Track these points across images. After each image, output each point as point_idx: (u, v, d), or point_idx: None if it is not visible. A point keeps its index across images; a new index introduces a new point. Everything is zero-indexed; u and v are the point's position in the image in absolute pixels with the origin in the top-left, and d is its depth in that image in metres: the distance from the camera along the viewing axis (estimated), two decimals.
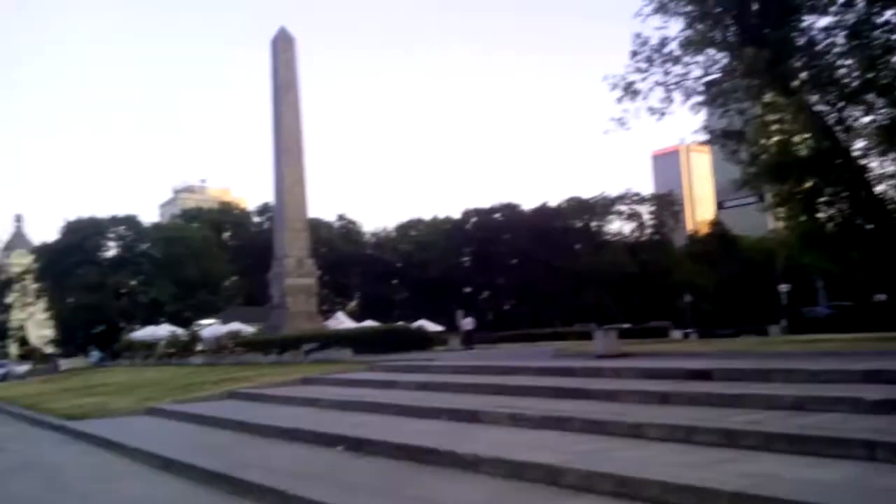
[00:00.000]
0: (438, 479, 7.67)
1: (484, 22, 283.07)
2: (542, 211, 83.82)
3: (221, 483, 8.56)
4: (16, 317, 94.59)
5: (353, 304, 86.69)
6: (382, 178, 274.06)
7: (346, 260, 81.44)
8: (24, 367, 61.25)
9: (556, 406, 10.48)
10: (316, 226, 65.46)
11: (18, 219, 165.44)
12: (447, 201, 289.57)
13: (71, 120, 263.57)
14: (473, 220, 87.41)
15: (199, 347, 44.76)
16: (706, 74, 19.60)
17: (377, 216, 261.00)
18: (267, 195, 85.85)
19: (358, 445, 9.65)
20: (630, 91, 19.78)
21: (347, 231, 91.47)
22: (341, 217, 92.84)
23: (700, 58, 19.29)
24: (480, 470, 7.69)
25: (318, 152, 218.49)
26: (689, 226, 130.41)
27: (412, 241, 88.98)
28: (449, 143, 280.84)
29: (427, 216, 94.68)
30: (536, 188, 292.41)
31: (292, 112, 42.11)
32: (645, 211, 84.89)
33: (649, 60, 19.59)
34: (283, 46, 42.18)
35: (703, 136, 21.78)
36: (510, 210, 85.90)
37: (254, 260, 69.79)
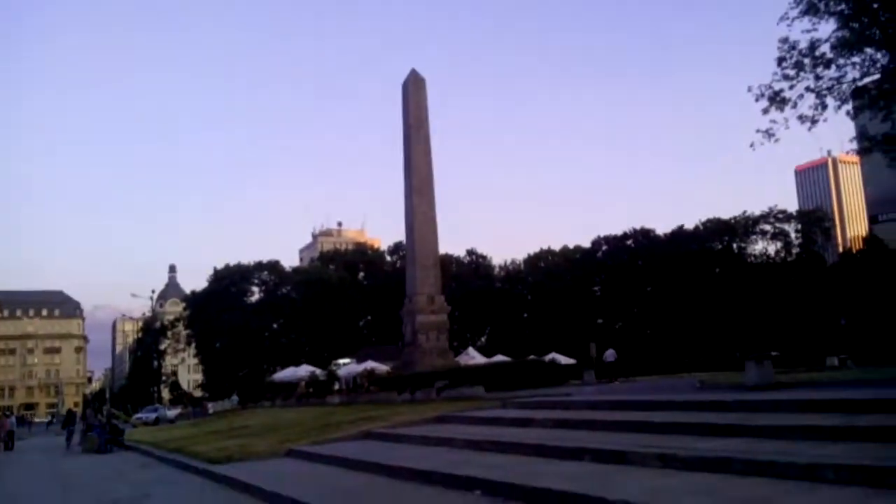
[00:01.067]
0: None
1: (611, 43, 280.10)
2: (678, 235, 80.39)
3: None
4: (168, 362, 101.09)
5: (483, 338, 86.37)
6: (512, 211, 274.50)
7: (476, 295, 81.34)
8: (174, 411, 64.94)
9: (711, 445, 9.51)
10: (446, 262, 66.02)
11: (172, 269, 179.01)
12: (577, 230, 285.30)
13: (220, 173, 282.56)
14: (604, 248, 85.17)
15: (337, 387, 45.72)
16: (865, 76, 17.96)
17: (506, 249, 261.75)
18: (398, 234, 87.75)
19: (495, 489, 9.10)
20: (778, 100, 18.48)
21: (477, 266, 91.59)
22: (471, 252, 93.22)
23: (856, 59, 17.74)
24: None
25: (447, 188, 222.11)
26: (840, 243, 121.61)
27: (542, 272, 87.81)
28: (580, 171, 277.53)
29: (556, 246, 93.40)
30: (671, 212, 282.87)
31: (423, 151, 42.70)
32: (791, 229, 79.54)
33: (798, 66, 18.26)
34: (413, 88, 43.06)
35: (861, 144, 19.89)
36: (643, 235, 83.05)
37: (387, 298, 71.05)
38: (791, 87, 19.07)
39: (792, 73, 18.99)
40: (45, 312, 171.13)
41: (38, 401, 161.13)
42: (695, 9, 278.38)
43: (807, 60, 18.72)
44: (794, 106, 19.08)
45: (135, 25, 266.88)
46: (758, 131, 19.67)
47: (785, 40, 18.99)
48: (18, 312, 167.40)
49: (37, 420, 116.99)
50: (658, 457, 9.20)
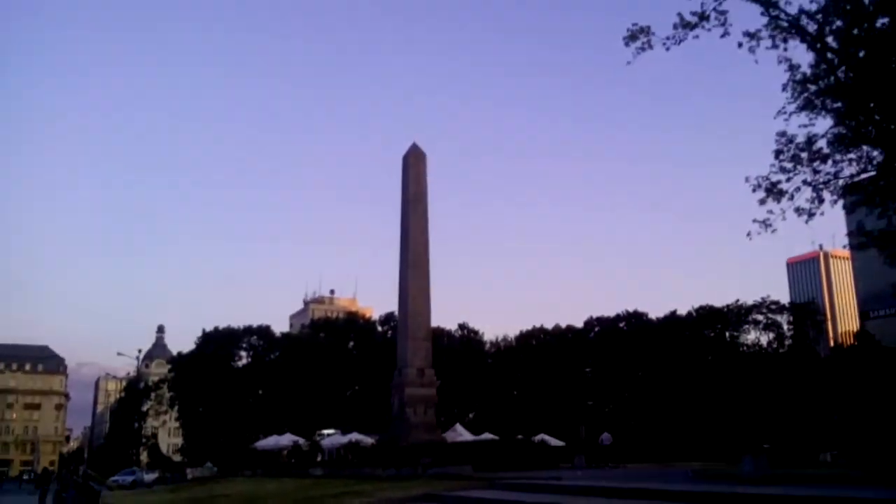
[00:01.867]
0: None
1: (602, 126, 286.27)
2: (671, 320, 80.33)
3: None
4: (150, 424, 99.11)
5: (471, 414, 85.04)
6: (504, 287, 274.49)
7: (466, 370, 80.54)
8: (152, 475, 63.23)
9: None
10: (437, 335, 65.50)
11: (160, 329, 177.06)
12: (570, 309, 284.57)
13: (211, 234, 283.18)
14: (596, 329, 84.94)
15: (319, 458, 44.75)
16: (862, 172, 18.30)
17: (498, 324, 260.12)
18: (391, 304, 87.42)
19: None
20: (775, 192, 18.76)
21: (468, 340, 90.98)
22: (462, 326, 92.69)
23: (852, 155, 18.10)
24: None
25: (440, 259, 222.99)
26: (831, 337, 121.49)
27: (533, 350, 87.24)
28: (572, 252, 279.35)
29: (549, 324, 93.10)
30: (663, 297, 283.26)
31: (420, 225, 42.92)
32: (784, 321, 79.65)
33: (795, 159, 18.61)
34: (413, 161, 43.59)
35: (857, 239, 20.07)
36: (636, 319, 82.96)
37: (376, 369, 70.32)
38: (788, 180, 19.36)
39: (789, 166, 19.32)
40: (27, 367, 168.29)
41: (12, 457, 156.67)
42: (689, 98, 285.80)
43: (804, 154, 19.08)
44: (791, 198, 19.34)
45: (118, 63, 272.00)
46: (755, 221, 19.87)
47: (783, 134, 19.40)
48: (1, 366, 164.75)
49: (11, 475, 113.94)
50: None
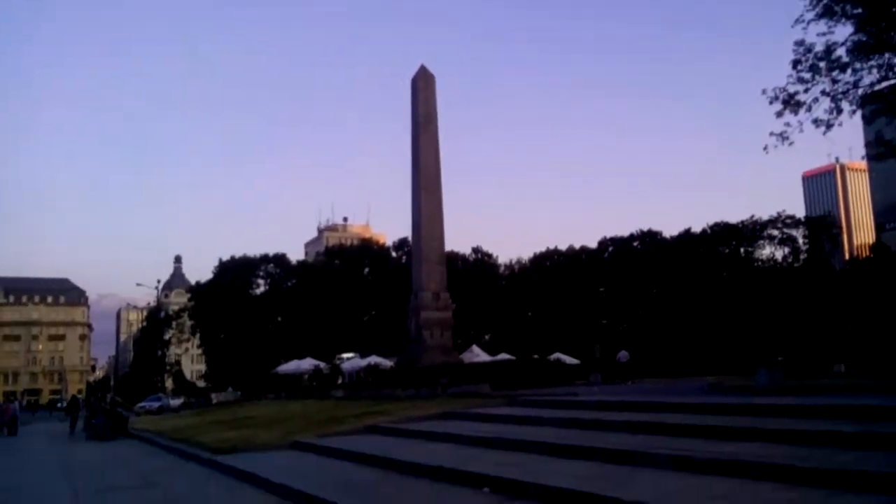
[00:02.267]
0: None
1: (623, 38, 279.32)
2: (685, 238, 79.94)
3: None
4: (172, 352, 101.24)
5: (487, 336, 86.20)
6: (518, 210, 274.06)
7: (481, 293, 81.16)
8: (178, 401, 64.90)
9: (726, 448, 9.37)
10: (452, 259, 65.70)
11: (178, 259, 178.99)
12: (584, 230, 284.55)
13: (224, 164, 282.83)
14: (610, 249, 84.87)
15: (340, 381, 45.68)
16: (882, 80, 17.73)
17: (512, 248, 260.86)
18: (404, 230, 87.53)
19: (505, 487, 8.97)
20: (792, 103, 18.27)
21: (482, 264, 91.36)
22: (476, 250, 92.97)
23: (873, 63, 17.51)
24: None
25: (453, 185, 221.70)
26: (847, 250, 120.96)
27: (547, 272, 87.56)
28: (587, 170, 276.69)
29: (563, 246, 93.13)
30: (678, 215, 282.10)
31: (431, 147, 42.54)
32: (799, 235, 79.06)
33: (813, 69, 18.05)
34: (422, 84, 42.87)
35: (876, 149, 19.63)
36: (650, 238, 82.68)
37: (391, 294, 70.95)
38: (806, 91, 18.86)
39: (807, 76, 18.79)
40: (50, 299, 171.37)
41: (41, 387, 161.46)
42: (705, 11, 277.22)
43: (822, 64, 18.50)
44: (809, 109, 18.88)
45: (142, 6, 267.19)
46: (772, 134, 19.47)
47: (801, 43, 18.78)
48: (24, 299, 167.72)
49: (42, 404, 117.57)
50: (672, 459, 9.07)
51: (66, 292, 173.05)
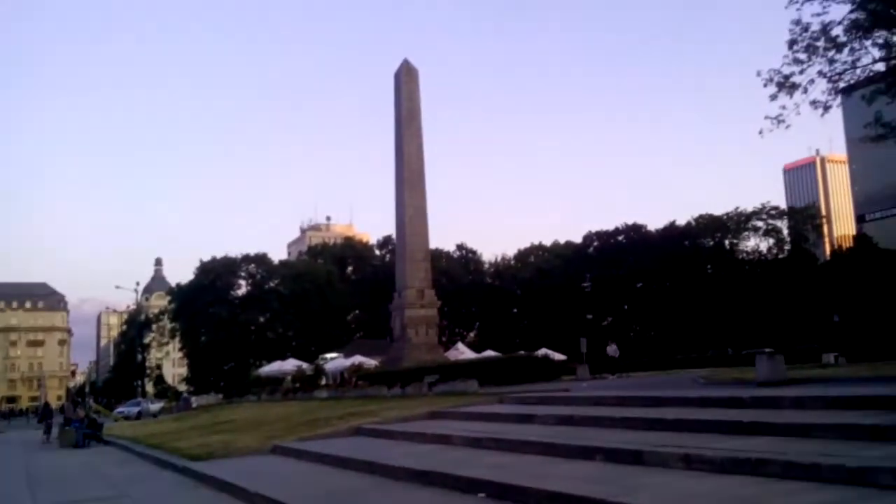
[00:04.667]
0: None
1: (603, 35, 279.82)
2: (670, 231, 79.83)
3: None
4: (153, 356, 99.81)
5: (472, 334, 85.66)
6: (502, 206, 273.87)
7: (466, 290, 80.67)
8: (157, 405, 63.71)
9: (737, 444, 8.68)
10: (436, 256, 65.11)
11: (158, 262, 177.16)
12: (569, 226, 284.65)
13: (204, 164, 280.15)
14: (595, 243, 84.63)
15: (324, 381, 44.81)
16: (886, 59, 17.20)
17: (497, 244, 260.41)
18: (387, 229, 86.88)
19: (503, 493, 8.24)
20: (788, 85, 17.75)
21: (467, 261, 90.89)
22: (460, 247, 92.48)
23: (869, 42, 16.99)
24: None
25: (436, 182, 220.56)
26: (827, 241, 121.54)
27: (532, 267, 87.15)
28: (571, 165, 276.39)
29: (548, 242, 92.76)
30: (662, 208, 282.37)
31: (415, 143, 41.98)
32: (784, 226, 79.10)
33: (810, 49, 17.51)
34: (406, 78, 42.31)
35: (875, 130, 19.10)
36: (635, 231, 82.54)
37: (375, 293, 70.25)
38: (802, 72, 18.45)
39: (803, 56, 18.32)
40: (28, 304, 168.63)
41: (20, 393, 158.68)
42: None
43: (819, 43, 18.02)
44: (805, 91, 18.43)
45: (118, 14, 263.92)
46: (766, 118, 19.04)
47: (797, 22, 18.33)
48: (2, 304, 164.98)
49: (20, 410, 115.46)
50: (681, 457, 8.37)
51: (45, 297, 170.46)
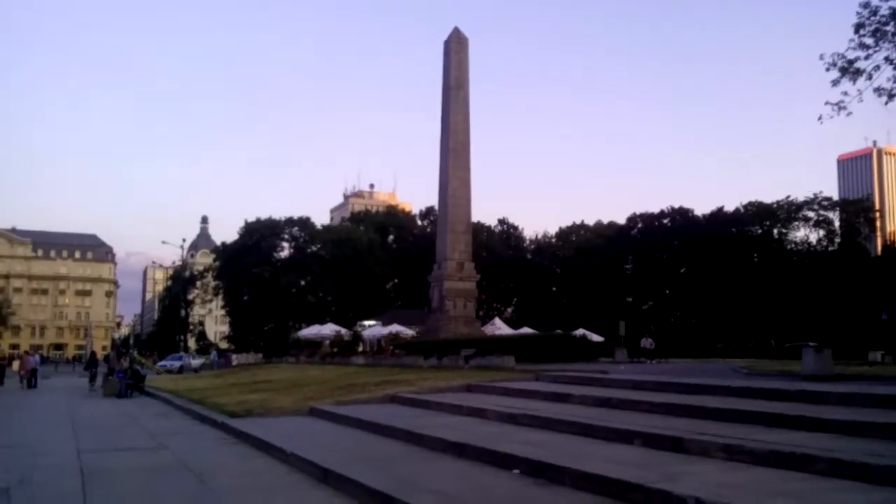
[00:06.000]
0: None
1: (656, 17, 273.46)
2: (717, 216, 78.25)
3: None
4: (196, 312, 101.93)
5: (509, 310, 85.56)
6: (545, 182, 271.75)
7: (505, 265, 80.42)
8: (198, 361, 65.07)
9: (781, 437, 8.49)
10: (477, 230, 64.91)
11: (204, 220, 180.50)
12: (612, 206, 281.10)
13: (253, 126, 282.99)
14: (639, 225, 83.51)
15: (361, 348, 45.28)
16: None
17: (538, 221, 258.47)
18: (430, 199, 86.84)
19: (538, 471, 8.19)
20: (851, 70, 17.09)
21: (508, 236, 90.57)
22: (502, 221, 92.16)
23: None
24: None
25: (481, 154, 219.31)
26: (880, 236, 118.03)
27: (573, 246, 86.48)
28: (617, 143, 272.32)
29: (590, 221, 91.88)
30: (709, 193, 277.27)
31: (461, 113, 41.71)
32: (836, 218, 76.92)
33: (877, 34, 16.80)
34: (455, 47, 41.95)
35: None
36: (681, 215, 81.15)
37: (415, 263, 70.45)
38: (867, 57, 17.71)
39: (870, 41, 17.59)
40: (77, 255, 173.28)
41: (67, 341, 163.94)
42: None
43: (889, 28, 17.29)
44: (869, 78, 17.74)
45: None
46: (827, 104, 18.32)
47: (865, 5, 17.60)
48: (52, 253, 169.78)
49: (67, 358, 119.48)
50: (722, 447, 8.20)
51: (93, 248, 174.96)
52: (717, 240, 73.06)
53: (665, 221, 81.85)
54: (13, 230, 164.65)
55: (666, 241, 78.21)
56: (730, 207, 79.39)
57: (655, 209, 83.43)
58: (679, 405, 11.75)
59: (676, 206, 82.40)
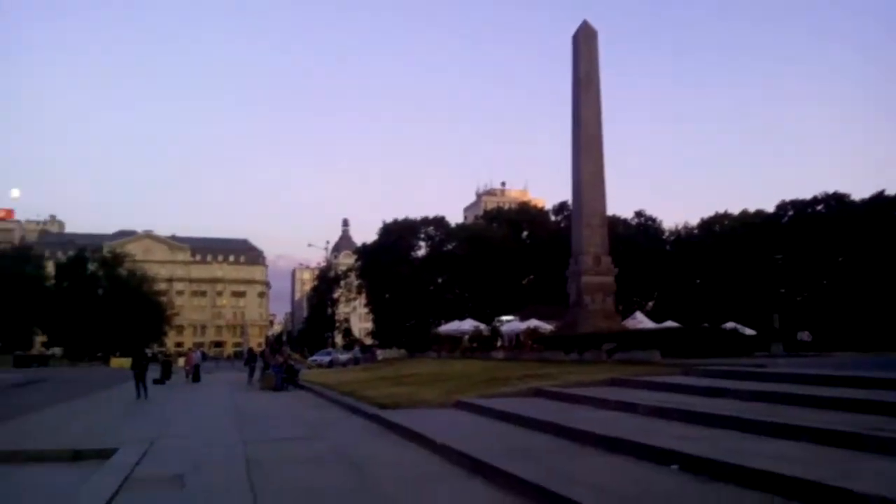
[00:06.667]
0: None
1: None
2: (878, 201, 72.29)
3: (541, 499, 7.36)
4: (341, 310, 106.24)
5: (650, 304, 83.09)
6: (683, 173, 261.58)
7: (644, 258, 78.11)
8: (346, 356, 67.82)
9: None
10: (613, 223, 63.36)
11: (345, 223, 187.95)
12: (757, 194, 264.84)
13: (389, 130, 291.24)
14: (790, 213, 78.60)
15: (499, 343, 45.47)
16: None
17: (678, 212, 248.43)
18: (563, 194, 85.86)
19: (697, 466, 7.88)
20: None
21: (646, 228, 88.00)
22: (639, 214, 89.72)
23: None
24: None
25: (615, 147, 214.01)
26: None
27: (717, 237, 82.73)
28: (760, 126, 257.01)
29: (734, 210, 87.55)
30: (867, 176, 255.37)
31: (592, 106, 40.93)
32: None
33: None
34: (584, 40, 41.24)
35: None
36: (836, 201, 75.61)
37: (550, 258, 69.85)
38: None
39: None
40: (231, 259, 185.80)
41: (225, 339, 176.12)
42: None
43: None
44: None
45: None
46: None
47: None
48: (209, 258, 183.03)
49: (226, 355, 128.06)
50: None
51: (245, 252, 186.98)
52: (879, 227, 67.49)
53: (819, 208, 76.58)
54: (173, 237, 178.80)
55: (821, 229, 73.15)
56: (891, 191, 73.03)
57: (807, 195, 78.25)
58: (849, 399, 10.94)
59: (831, 191, 76.99)
